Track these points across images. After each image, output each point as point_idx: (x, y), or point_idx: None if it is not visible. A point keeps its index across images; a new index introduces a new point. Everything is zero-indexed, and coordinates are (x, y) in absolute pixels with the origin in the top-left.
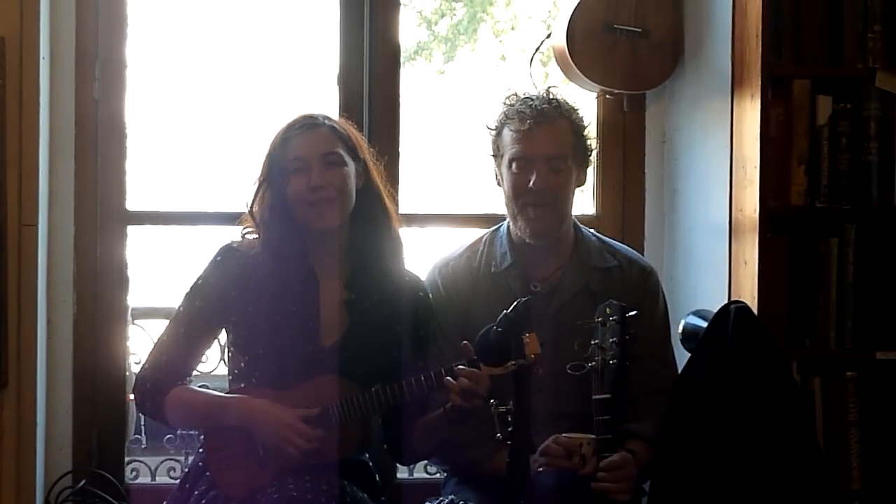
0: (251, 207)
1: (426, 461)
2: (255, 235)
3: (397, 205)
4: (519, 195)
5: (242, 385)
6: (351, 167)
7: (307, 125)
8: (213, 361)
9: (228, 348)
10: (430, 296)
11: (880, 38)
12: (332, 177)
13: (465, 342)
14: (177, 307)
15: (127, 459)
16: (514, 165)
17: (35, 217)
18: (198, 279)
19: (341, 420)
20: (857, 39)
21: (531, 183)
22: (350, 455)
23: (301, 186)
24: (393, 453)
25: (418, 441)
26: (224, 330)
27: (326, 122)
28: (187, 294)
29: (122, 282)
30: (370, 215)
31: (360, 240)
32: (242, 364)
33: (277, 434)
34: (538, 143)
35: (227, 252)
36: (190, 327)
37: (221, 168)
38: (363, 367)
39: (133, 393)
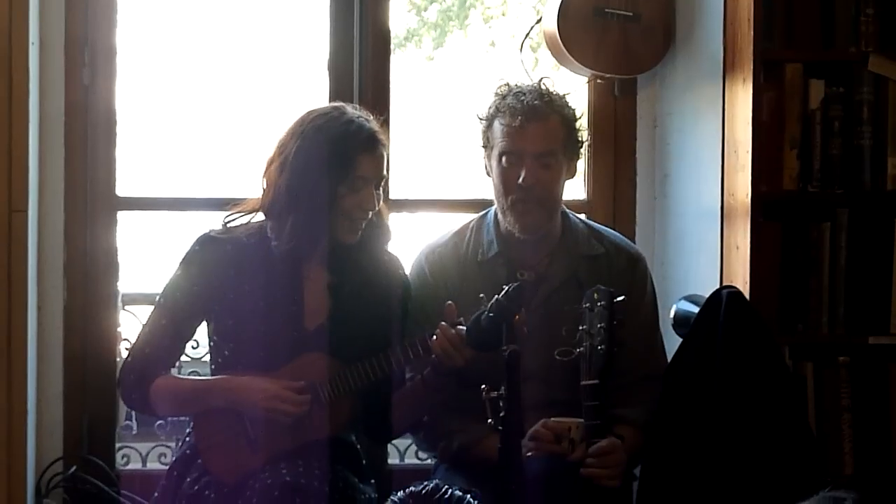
0: (282, 193)
1: (417, 448)
2: (243, 221)
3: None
4: (509, 190)
5: (227, 373)
6: None
7: (374, 145)
8: (205, 347)
9: (211, 337)
10: (414, 279)
11: (873, 22)
12: (378, 199)
13: (449, 303)
14: (157, 298)
15: (118, 445)
16: (503, 160)
17: (25, 203)
18: (177, 269)
19: (330, 396)
20: (850, 23)
21: (521, 179)
22: (341, 432)
23: (355, 204)
24: (369, 430)
25: (397, 415)
26: (206, 319)
27: (381, 137)
28: (167, 284)
29: (112, 268)
30: None
31: None
32: (226, 352)
33: (265, 406)
34: (528, 139)
35: (206, 241)
36: (171, 318)
37: (212, 154)
38: (347, 347)
39: (118, 386)
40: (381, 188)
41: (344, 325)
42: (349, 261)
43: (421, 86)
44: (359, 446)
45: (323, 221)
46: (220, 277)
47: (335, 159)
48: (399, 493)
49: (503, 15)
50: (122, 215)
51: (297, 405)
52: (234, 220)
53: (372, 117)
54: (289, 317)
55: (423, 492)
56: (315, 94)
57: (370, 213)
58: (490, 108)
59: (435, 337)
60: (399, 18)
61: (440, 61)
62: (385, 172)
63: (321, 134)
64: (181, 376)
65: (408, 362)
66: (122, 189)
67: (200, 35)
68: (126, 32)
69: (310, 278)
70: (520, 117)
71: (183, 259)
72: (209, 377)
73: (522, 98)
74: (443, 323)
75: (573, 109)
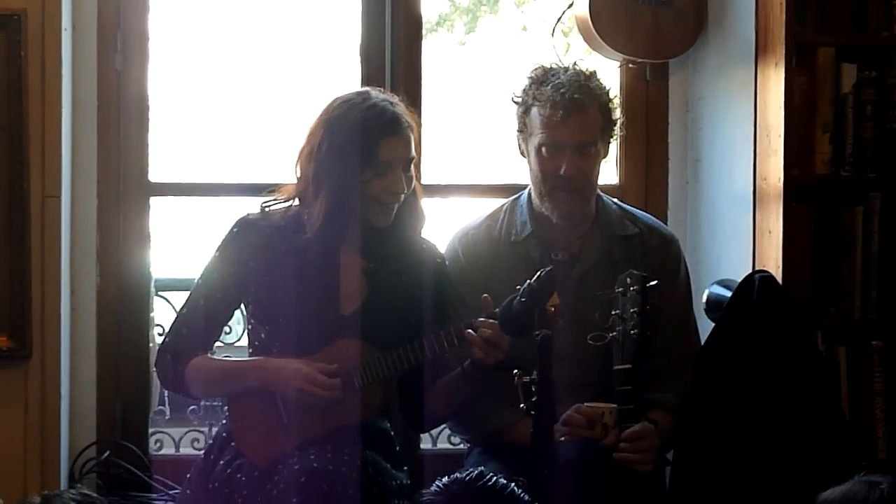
0: (310, 183)
1: (450, 432)
2: (283, 205)
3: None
4: (547, 179)
5: (264, 356)
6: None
7: (396, 128)
8: (238, 333)
9: (249, 320)
10: (448, 262)
11: None
12: (407, 181)
13: (485, 295)
14: (195, 280)
15: (151, 431)
16: (543, 150)
17: (58, 189)
18: (215, 251)
19: (363, 381)
20: (883, 7)
21: (562, 170)
22: (372, 417)
23: (383, 188)
24: (409, 419)
25: (436, 404)
26: (243, 302)
27: (405, 119)
28: (205, 266)
29: (144, 253)
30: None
31: None
32: (263, 335)
33: (296, 386)
34: (569, 132)
35: (244, 224)
36: (209, 300)
37: (244, 139)
38: (383, 333)
39: (155, 366)
40: (411, 170)
41: (379, 311)
42: (385, 246)
43: (453, 71)
44: (393, 433)
45: (351, 208)
46: (256, 260)
47: (358, 145)
48: (443, 480)
49: None
50: (154, 201)
51: (329, 388)
52: (271, 205)
53: (397, 99)
54: (324, 301)
55: (468, 478)
56: (347, 79)
57: (401, 195)
58: (527, 92)
59: (472, 336)
60: (431, 3)
61: (472, 46)
62: (413, 154)
63: (345, 121)
64: (216, 357)
65: (442, 352)
66: (155, 175)
67: (232, 20)
68: (158, 18)
69: (346, 263)
70: (560, 111)
71: (221, 242)
72: (244, 359)
73: (562, 90)
74: (480, 319)
75: (608, 91)
